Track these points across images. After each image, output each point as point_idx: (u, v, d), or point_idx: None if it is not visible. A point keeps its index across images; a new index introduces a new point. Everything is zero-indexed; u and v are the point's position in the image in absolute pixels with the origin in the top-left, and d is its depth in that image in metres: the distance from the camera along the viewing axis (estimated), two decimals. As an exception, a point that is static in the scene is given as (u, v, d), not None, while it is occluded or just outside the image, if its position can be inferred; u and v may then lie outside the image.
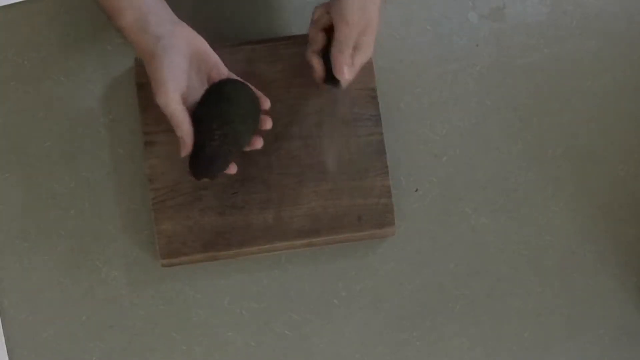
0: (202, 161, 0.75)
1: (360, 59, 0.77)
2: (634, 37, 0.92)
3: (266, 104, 0.80)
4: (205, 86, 0.77)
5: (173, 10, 0.76)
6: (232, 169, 0.79)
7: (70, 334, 0.86)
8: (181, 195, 0.84)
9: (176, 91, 0.72)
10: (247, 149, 0.79)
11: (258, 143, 0.79)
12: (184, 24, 0.75)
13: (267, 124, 0.79)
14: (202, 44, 0.76)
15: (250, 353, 0.87)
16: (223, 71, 0.78)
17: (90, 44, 0.88)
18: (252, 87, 0.79)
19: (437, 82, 0.90)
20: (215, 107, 0.75)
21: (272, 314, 0.87)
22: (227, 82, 0.77)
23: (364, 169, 0.86)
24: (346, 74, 0.76)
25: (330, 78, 0.78)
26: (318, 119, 0.86)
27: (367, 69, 0.87)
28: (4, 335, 0.85)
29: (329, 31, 0.77)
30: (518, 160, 0.90)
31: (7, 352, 0.85)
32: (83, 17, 0.88)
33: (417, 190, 0.89)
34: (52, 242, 0.86)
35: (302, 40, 0.86)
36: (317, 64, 0.79)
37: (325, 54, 0.78)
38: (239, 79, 0.79)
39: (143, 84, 0.85)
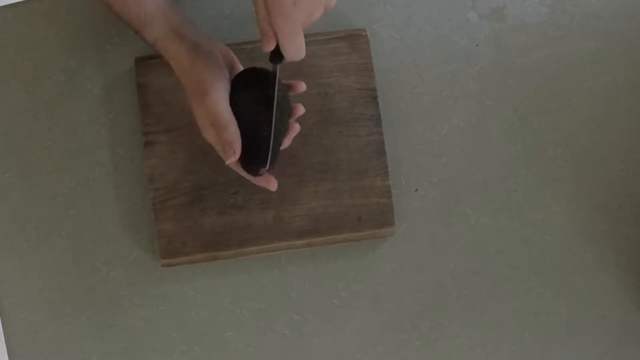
0: (258, 154, 0.74)
1: (278, 25, 0.65)
2: (634, 37, 0.92)
3: (301, 87, 0.78)
4: None
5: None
6: (273, 184, 0.77)
7: (70, 334, 0.86)
8: (181, 195, 0.84)
9: (222, 93, 0.73)
10: (288, 136, 0.77)
11: (297, 128, 0.78)
12: (212, 39, 0.77)
13: (300, 110, 0.78)
14: (233, 56, 0.78)
15: (250, 353, 0.87)
16: None
17: (90, 43, 0.88)
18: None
19: (437, 82, 0.90)
20: (254, 96, 0.74)
21: (272, 314, 0.87)
22: (253, 70, 0.76)
23: (364, 169, 0.86)
24: (266, 44, 0.67)
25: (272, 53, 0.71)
26: (318, 118, 0.86)
27: (367, 69, 0.87)
28: (4, 335, 0.85)
29: None
30: (518, 160, 0.90)
31: (7, 352, 0.85)
32: (83, 17, 0.88)
33: (417, 190, 0.89)
34: (52, 242, 0.86)
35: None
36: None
37: None
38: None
39: (143, 84, 0.85)
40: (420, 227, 0.89)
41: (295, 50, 0.67)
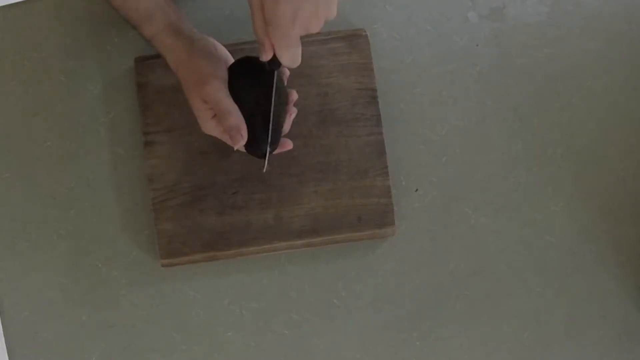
0: (261, 137, 0.76)
1: (275, 37, 0.67)
2: (634, 37, 0.92)
3: (286, 73, 0.80)
4: None
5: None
6: (289, 144, 0.79)
7: (70, 334, 0.86)
8: (181, 195, 0.84)
9: (222, 81, 0.74)
10: (288, 118, 0.79)
11: (294, 111, 0.80)
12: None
13: (294, 94, 0.79)
14: (226, 51, 0.79)
15: (250, 353, 0.87)
16: None
17: (90, 44, 0.88)
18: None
19: (437, 82, 0.90)
20: (252, 82, 0.76)
21: (272, 314, 0.87)
22: (249, 58, 0.77)
23: (364, 169, 0.86)
24: (264, 54, 0.69)
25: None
26: (318, 119, 0.86)
27: (367, 69, 0.87)
28: (4, 335, 0.85)
29: None
30: (518, 160, 0.90)
31: (7, 352, 0.85)
32: (83, 17, 0.88)
33: (417, 190, 0.89)
34: (52, 242, 0.86)
35: (302, 41, 0.86)
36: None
37: None
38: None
39: (143, 84, 0.85)
40: (420, 227, 0.89)
41: (291, 60, 0.70)
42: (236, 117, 0.74)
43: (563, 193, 0.90)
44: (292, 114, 0.79)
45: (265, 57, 0.70)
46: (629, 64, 0.91)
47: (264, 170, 0.78)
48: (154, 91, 0.85)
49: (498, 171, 0.90)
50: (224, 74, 0.75)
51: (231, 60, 0.79)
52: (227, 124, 0.74)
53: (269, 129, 0.76)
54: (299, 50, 0.69)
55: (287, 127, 0.80)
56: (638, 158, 0.91)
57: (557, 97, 0.91)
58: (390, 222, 0.86)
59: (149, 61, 0.85)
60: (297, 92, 0.83)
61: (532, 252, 0.89)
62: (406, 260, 0.89)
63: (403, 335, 0.88)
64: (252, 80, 0.76)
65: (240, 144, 0.74)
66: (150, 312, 0.86)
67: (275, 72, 0.75)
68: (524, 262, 0.89)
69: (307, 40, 0.86)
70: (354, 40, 0.87)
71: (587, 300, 0.89)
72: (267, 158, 0.77)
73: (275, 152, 0.79)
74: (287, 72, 0.80)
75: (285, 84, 0.80)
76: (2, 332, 0.85)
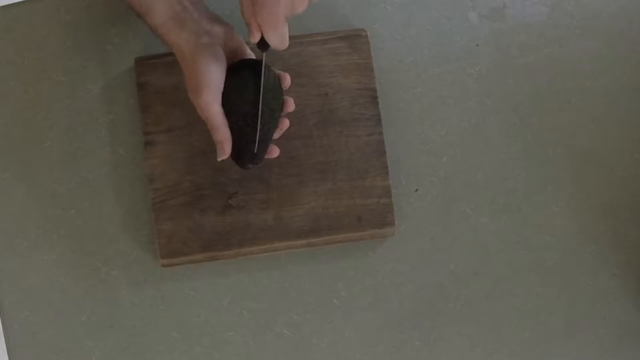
0: (247, 149, 0.76)
1: (262, 17, 0.68)
2: (634, 37, 0.92)
3: (287, 81, 0.79)
4: None
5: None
6: (275, 152, 0.79)
7: (70, 334, 0.86)
8: (181, 195, 0.84)
9: (215, 94, 0.73)
10: (278, 131, 0.79)
11: (286, 124, 0.79)
12: (220, 20, 0.77)
13: (290, 105, 0.79)
14: (239, 39, 0.78)
15: (250, 353, 0.87)
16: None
17: (90, 44, 0.88)
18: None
19: (437, 82, 0.90)
20: (244, 90, 0.75)
21: (272, 314, 0.87)
22: (247, 61, 0.77)
23: (364, 169, 0.86)
24: (252, 35, 0.70)
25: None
26: (318, 119, 0.86)
27: (367, 69, 0.87)
28: (4, 335, 0.85)
29: None
30: (518, 160, 0.90)
31: (7, 352, 0.85)
32: (83, 17, 0.88)
33: (417, 190, 0.89)
34: (52, 242, 0.86)
35: (302, 41, 0.86)
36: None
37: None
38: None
39: (143, 84, 0.85)
40: (420, 227, 0.89)
41: (278, 40, 0.69)
42: (222, 134, 0.74)
43: (563, 193, 0.90)
44: (283, 127, 0.79)
45: (253, 38, 0.70)
46: (629, 64, 0.92)
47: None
48: (154, 91, 0.85)
49: (498, 171, 0.90)
50: (221, 81, 0.74)
51: (244, 47, 0.78)
52: (215, 138, 0.75)
53: (255, 142, 0.76)
54: (285, 31, 0.69)
55: (276, 135, 0.79)
56: (638, 158, 0.91)
57: (557, 97, 0.91)
58: (390, 222, 0.86)
59: (149, 61, 0.85)
60: (297, 92, 0.82)
61: (532, 252, 0.89)
62: (406, 260, 0.89)
63: (403, 335, 0.88)
64: (247, 87, 0.75)
65: (222, 158, 0.75)
66: (150, 312, 0.86)
67: (262, 85, 0.74)
68: (524, 262, 0.89)
69: (307, 40, 0.86)
70: (354, 40, 0.87)
71: (587, 300, 0.90)
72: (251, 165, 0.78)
73: (263, 158, 0.78)
74: (289, 82, 0.79)
75: (285, 90, 0.79)
76: (2, 332, 0.85)
